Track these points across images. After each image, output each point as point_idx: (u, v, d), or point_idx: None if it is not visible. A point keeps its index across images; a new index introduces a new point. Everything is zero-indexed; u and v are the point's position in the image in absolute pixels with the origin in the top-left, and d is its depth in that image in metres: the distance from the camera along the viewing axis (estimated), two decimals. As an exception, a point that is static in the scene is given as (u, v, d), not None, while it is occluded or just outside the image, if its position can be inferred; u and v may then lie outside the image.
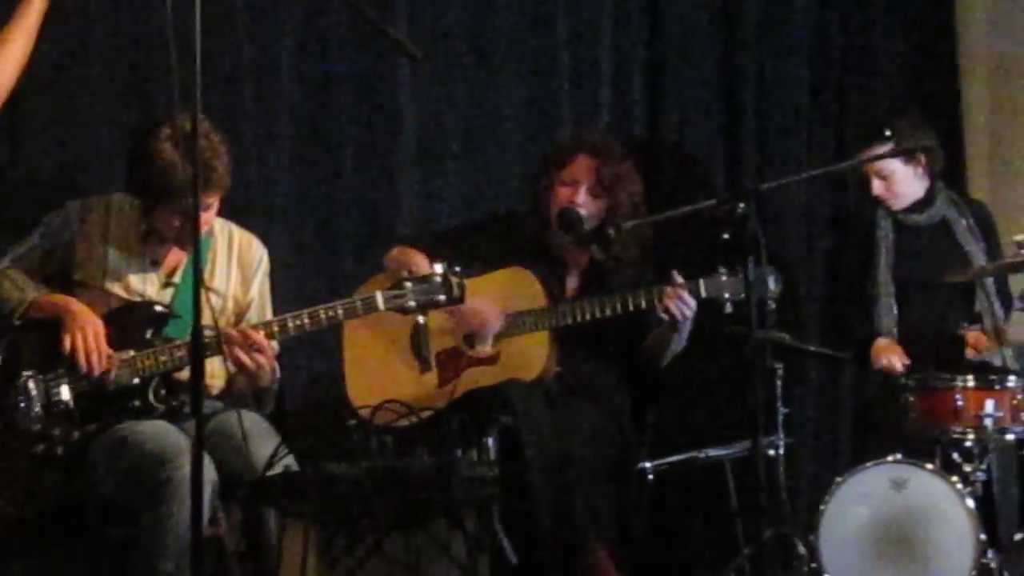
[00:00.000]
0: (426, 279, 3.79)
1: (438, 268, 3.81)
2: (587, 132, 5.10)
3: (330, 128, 4.97)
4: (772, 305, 4.32)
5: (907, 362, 4.90)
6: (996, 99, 6.12)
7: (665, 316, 4.34)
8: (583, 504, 4.16)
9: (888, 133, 4.88)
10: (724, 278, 4.32)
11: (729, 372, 5.20)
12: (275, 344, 3.88)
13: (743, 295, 4.13)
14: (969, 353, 4.90)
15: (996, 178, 6.07)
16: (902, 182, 5.00)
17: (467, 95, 5.22)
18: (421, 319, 3.86)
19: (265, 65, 4.84)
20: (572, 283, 4.65)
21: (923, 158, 4.98)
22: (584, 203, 4.53)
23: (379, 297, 3.81)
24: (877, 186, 4.98)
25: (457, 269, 3.81)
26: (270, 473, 3.57)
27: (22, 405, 3.75)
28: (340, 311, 3.84)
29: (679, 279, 4.34)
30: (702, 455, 4.78)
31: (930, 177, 5.08)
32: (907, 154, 4.89)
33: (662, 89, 5.61)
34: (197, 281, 3.11)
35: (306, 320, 3.82)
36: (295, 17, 4.90)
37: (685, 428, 5.15)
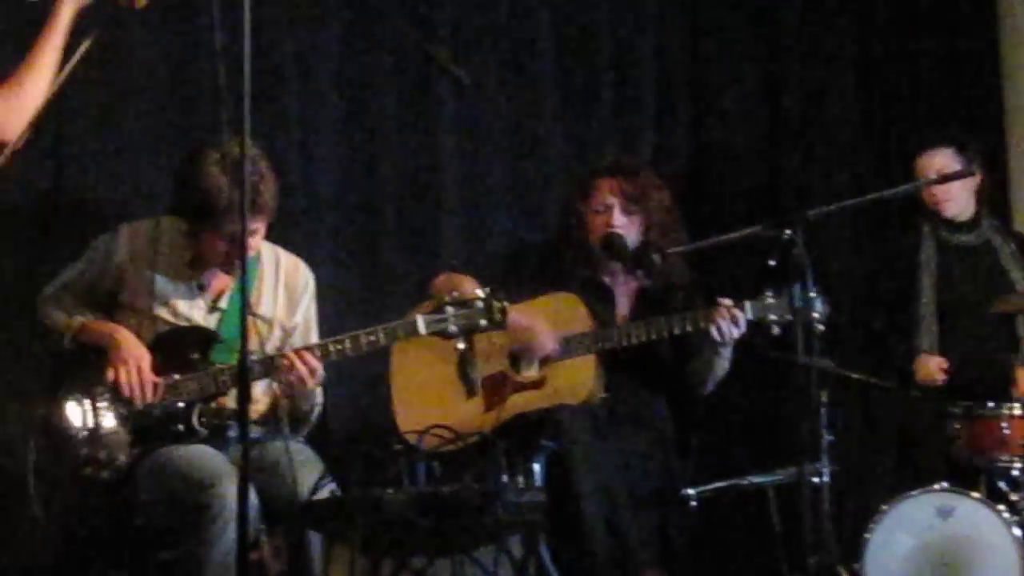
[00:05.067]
0: (468, 303, 3.76)
1: (481, 292, 3.79)
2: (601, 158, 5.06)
3: (373, 160, 5.00)
4: (821, 328, 4.29)
5: (945, 367, 4.89)
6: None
7: (716, 335, 4.32)
8: (635, 531, 4.14)
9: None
10: (770, 301, 4.32)
11: (773, 399, 5.18)
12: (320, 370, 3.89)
13: (789, 317, 4.12)
14: (1020, 392, 4.89)
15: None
16: (956, 187, 5.02)
17: (508, 124, 5.24)
18: (461, 345, 3.82)
19: (310, 97, 4.89)
20: (622, 311, 4.63)
21: (977, 177, 5.01)
22: (622, 224, 4.54)
23: (420, 321, 3.79)
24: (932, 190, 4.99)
25: (501, 294, 3.79)
26: (316, 498, 3.57)
27: (68, 429, 3.75)
28: (381, 335, 3.81)
29: (727, 302, 4.33)
30: (745, 482, 4.74)
31: (978, 200, 5.11)
32: (967, 174, 4.92)
33: (706, 116, 5.62)
34: (244, 306, 3.09)
35: (347, 345, 3.80)
36: (336, 50, 4.93)
37: (729, 455, 5.12)
